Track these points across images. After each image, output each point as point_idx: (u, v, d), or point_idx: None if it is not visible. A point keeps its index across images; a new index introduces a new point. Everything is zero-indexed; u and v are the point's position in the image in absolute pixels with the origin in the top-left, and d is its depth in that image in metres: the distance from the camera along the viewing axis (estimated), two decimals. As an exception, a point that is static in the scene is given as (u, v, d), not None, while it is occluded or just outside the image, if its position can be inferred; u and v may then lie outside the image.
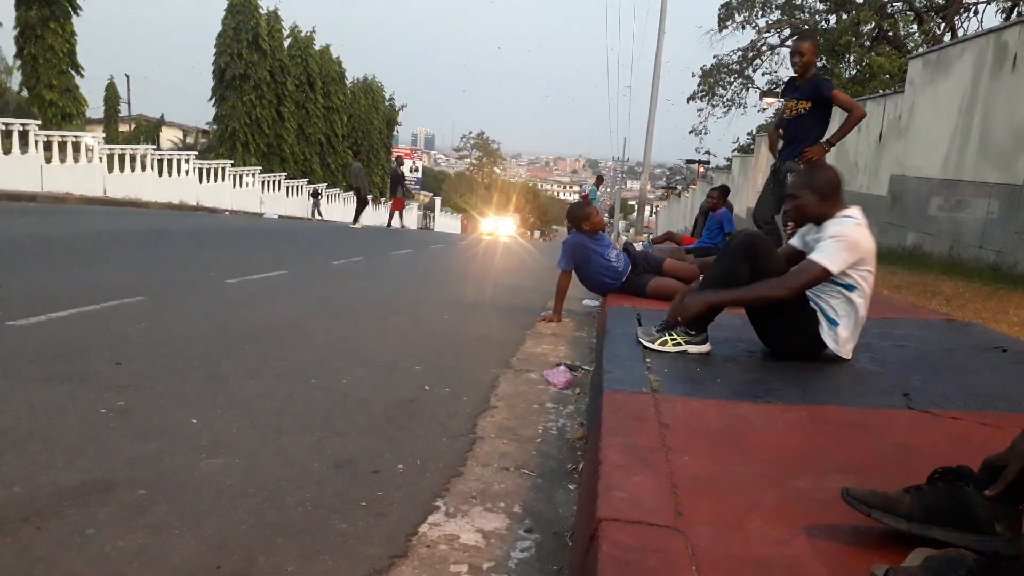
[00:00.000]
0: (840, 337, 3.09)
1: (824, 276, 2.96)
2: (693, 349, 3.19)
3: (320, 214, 28.65)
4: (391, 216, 20.35)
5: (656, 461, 1.85)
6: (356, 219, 18.49)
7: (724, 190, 9.79)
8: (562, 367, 3.58)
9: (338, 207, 31.96)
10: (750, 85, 27.21)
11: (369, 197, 20.55)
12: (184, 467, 2.14)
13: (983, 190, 8.24)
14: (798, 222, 3.27)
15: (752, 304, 3.13)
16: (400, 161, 21.37)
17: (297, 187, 29.42)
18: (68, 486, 1.94)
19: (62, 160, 16.71)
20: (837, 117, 5.61)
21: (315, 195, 29.24)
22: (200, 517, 1.83)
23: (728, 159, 30.25)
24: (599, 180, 22.86)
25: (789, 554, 1.41)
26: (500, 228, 31.45)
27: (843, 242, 2.95)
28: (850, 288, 3.04)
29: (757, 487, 1.74)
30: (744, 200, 22.95)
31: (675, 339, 3.20)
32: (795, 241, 3.34)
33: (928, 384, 2.82)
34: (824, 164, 3.23)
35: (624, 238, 22.71)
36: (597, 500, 1.60)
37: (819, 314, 3.10)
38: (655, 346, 3.21)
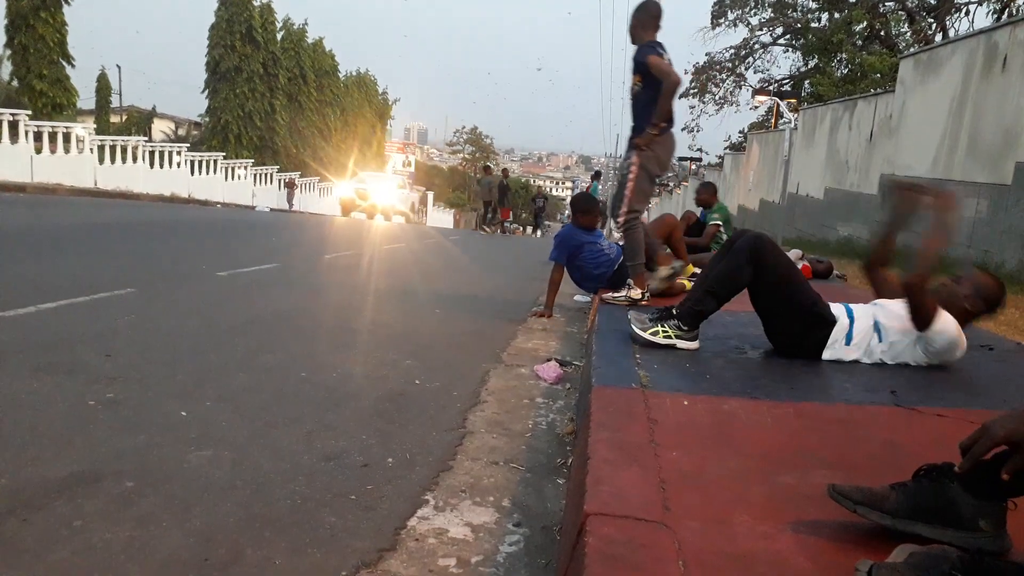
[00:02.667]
0: (844, 354, 3.10)
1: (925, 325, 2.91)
2: (682, 344, 3.19)
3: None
4: (501, 223, 22.27)
5: (644, 456, 1.86)
6: (501, 227, 21.22)
7: (710, 187, 9.65)
8: (552, 362, 3.58)
9: (331, 199, 31.74)
10: (742, 83, 27.26)
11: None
12: (173, 459, 2.13)
13: (971, 190, 8.28)
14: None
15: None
16: (506, 173, 23.77)
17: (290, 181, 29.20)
18: (55, 478, 1.93)
19: (52, 151, 16.59)
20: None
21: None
22: (188, 510, 1.83)
23: (720, 156, 30.30)
24: (597, 175, 23.26)
25: (775, 549, 1.42)
26: (375, 195, 19.19)
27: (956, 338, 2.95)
28: (925, 350, 3.01)
29: (744, 482, 1.75)
30: (736, 198, 23.01)
31: (666, 332, 3.20)
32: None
33: (914, 382, 2.84)
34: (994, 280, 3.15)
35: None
36: (585, 495, 1.60)
37: (852, 328, 3.08)
38: (646, 335, 3.21)
